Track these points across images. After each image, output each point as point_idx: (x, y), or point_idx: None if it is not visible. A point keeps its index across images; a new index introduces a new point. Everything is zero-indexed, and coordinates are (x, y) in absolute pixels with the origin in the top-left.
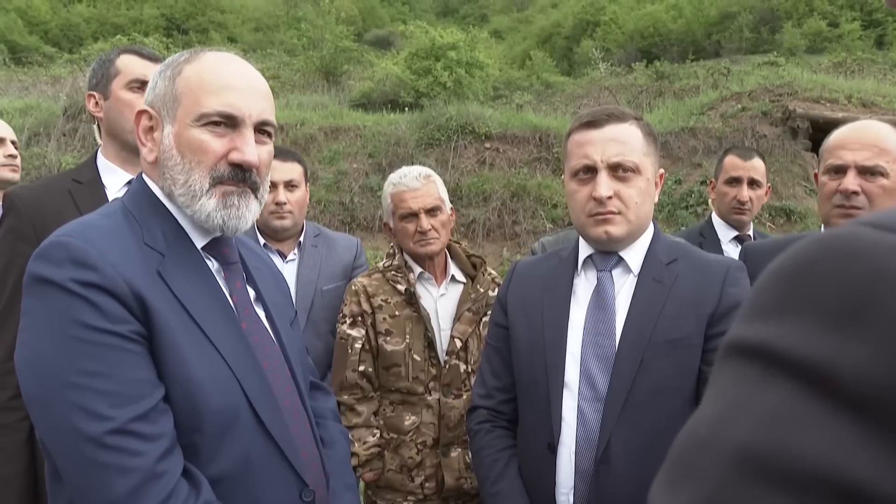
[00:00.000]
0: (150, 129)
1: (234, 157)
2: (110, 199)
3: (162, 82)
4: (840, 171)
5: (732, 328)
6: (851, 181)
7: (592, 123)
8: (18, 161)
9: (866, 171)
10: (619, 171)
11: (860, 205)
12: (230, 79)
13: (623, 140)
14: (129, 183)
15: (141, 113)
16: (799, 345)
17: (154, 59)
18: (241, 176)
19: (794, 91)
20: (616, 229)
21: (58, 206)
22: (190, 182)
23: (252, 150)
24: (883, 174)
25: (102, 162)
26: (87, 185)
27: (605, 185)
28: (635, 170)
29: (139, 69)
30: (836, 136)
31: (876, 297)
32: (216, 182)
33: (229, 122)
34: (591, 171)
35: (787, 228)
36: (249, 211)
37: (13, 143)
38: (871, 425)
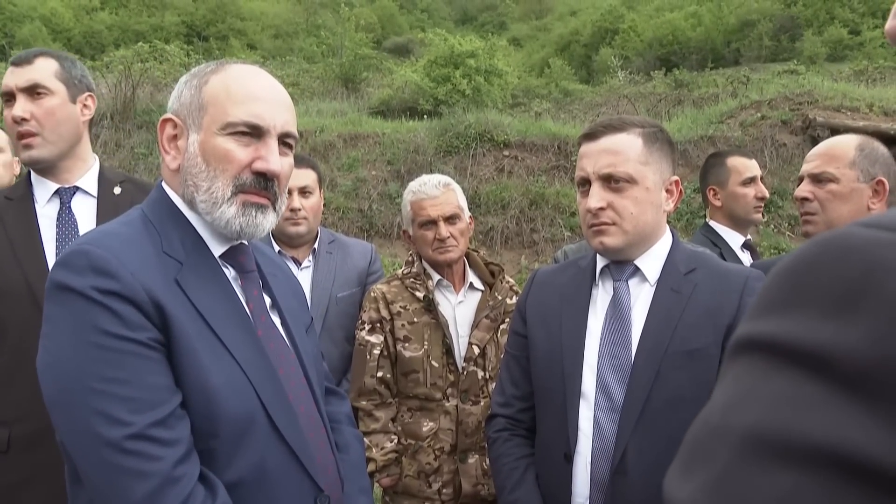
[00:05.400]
0: (174, 138)
1: (259, 165)
2: (39, 211)
3: (188, 91)
4: (801, 181)
5: (740, 327)
6: (801, 188)
7: (590, 135)
8: None
9: (816, 179)
10: (611, 182)
11: (811, 210)
12: (256, 90)
13: (616, 151)
14: (56, 192)
15: (165, 121)
16: (800, 334)
17: (18, 62)
18: (263, 184)
19: (815, 99)
20: (611, 240)
21: None
22: (213, 189)
23: (276, 160)
24: (832, 180)
25: (34, 176)
26: (17, 201)
27: (595, 196)
28: (629, 180)
29: (4, 80)
30: None
31: (868, 285)
32: (238, 190)
33: (254, 132)
34: (587, 182)
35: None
36: (266, 219)
37: None
38: (865, 400)
